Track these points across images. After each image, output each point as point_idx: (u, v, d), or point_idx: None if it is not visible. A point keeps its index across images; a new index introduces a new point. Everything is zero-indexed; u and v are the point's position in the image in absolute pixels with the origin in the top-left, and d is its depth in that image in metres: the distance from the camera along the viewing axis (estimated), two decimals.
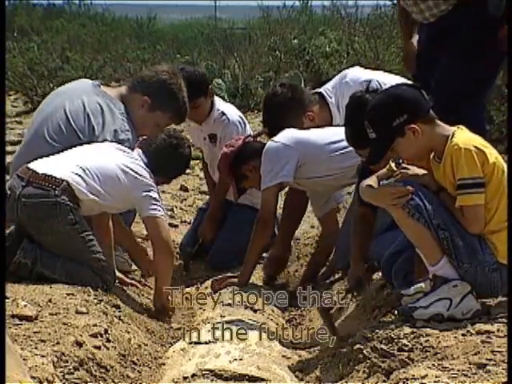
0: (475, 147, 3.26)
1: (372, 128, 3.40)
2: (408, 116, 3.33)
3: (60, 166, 4.14)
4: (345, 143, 4.21)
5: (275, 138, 4.75)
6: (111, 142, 4.44)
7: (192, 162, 8.41)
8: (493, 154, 3.30)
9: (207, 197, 7.42)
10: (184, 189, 7.62)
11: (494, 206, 3.29)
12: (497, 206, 3.29)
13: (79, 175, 4.10)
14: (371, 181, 3.47)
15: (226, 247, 5.47)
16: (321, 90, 5.38)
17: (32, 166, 4.14)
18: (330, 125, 5.26)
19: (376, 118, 3.41)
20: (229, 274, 4.90)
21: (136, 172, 4.26)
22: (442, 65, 4.41)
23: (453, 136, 3.31)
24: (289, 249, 5.34)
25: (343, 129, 4.13)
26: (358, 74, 5.12)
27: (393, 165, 3.49)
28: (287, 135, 4.75)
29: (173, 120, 4.89)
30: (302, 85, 11.47)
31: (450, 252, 3.29)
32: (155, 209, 4.26)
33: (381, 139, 3.38)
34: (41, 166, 4.14)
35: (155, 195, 4.28)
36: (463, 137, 3.31)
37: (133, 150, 4.46)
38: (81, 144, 4.38)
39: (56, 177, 4.06)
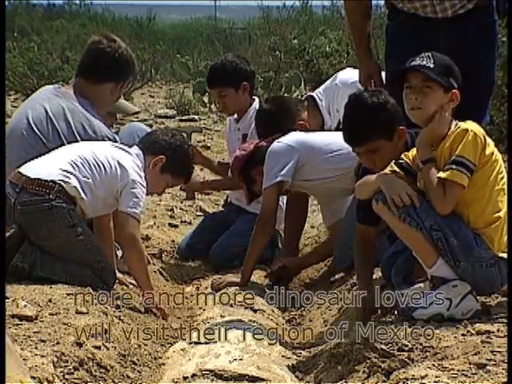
0: (482, 134, 3.31)
1: (435, 63, 3.41)
2: (458, 86, 3.43)
3: (50, 166, 4.11)
4: (345, 145, 4.19)
5: (280, 139, 4.78)
6: (93, 140, 4.40)
7: None
8: (491, 145, 3.34)
9: (207, 197, 7.42)
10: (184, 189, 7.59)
11: (485, 196, 3.31)
12: (489, 195, 3.31)
13: (69, 172, 4.07)
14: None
15: (229, 247, 5.47)
16: (313, 93, 5.41)
17: (23, 170, 4.11)
18: (322, 127, 5.29)
19: (444, 63, 3.44)
20: (229, 274, 4.91)
21: (125, 163, 4.22)
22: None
23: (457, 123, 3.37)
24: (295, 256, 5.27)
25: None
26: (347, 76, 5.15)
27: (394, 166, 3.50)
28: (292, 138, 4.79)
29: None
30: (302, 85, 11.50)
31: (445, 252, 3.29)
32: (134, 207, 4.18)
33: (437, 71, 3.38)
34: (32, 169, 4.10)
35: (138, 192, 4.21)
36: (470, 124, 3.36)
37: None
38: (49, 150, 4.31)
39: (48, 180, 4.04)
